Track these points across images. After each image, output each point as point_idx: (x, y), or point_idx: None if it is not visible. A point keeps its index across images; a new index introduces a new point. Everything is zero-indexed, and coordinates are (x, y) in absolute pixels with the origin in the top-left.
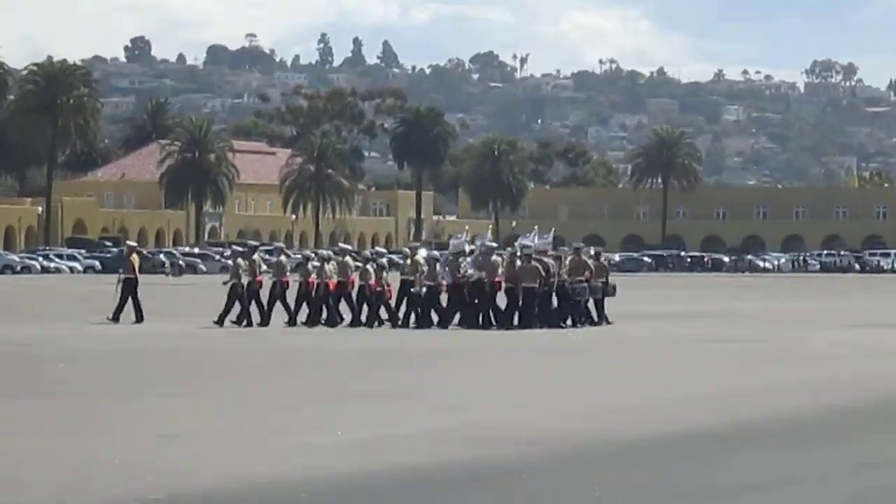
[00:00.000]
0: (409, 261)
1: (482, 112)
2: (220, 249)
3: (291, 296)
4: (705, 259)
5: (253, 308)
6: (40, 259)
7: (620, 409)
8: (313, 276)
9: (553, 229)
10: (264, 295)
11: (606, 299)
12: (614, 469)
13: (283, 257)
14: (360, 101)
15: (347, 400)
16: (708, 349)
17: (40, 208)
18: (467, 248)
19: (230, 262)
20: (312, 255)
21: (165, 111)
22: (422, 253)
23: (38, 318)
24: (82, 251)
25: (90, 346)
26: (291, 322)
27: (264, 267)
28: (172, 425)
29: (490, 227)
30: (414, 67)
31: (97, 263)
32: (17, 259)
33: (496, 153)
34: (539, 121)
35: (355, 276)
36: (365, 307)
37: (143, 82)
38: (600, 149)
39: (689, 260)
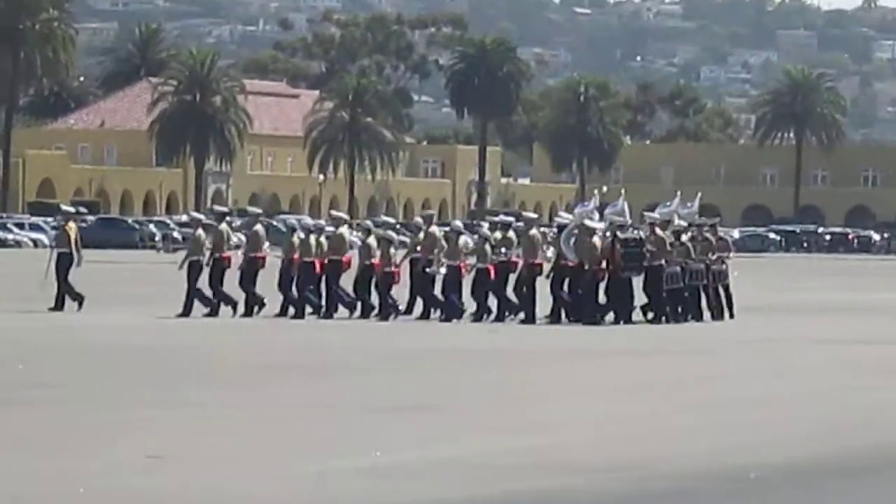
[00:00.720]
0: (422, 234)
1: (565, 46)
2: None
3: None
4: (850, 237)
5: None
6: None
7: (730, 427)
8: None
9: (699, 195)
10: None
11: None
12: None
13: (258, 227)
14: (408, 29)
15: (385, 412)
16: (846, 354)
17: None
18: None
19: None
20: (295, 223)
21: (158, 41)
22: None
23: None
24: (49, 220)
25: (56, 341)
26: (243, 310)
27: (235, 240)
28: (162, 443)
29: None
30: None
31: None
32: None
33: (583, 99)
34: (638, 58)
35: (352, 254)
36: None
37: (128, 4)
38: (716, 94)
39: (828, 238)
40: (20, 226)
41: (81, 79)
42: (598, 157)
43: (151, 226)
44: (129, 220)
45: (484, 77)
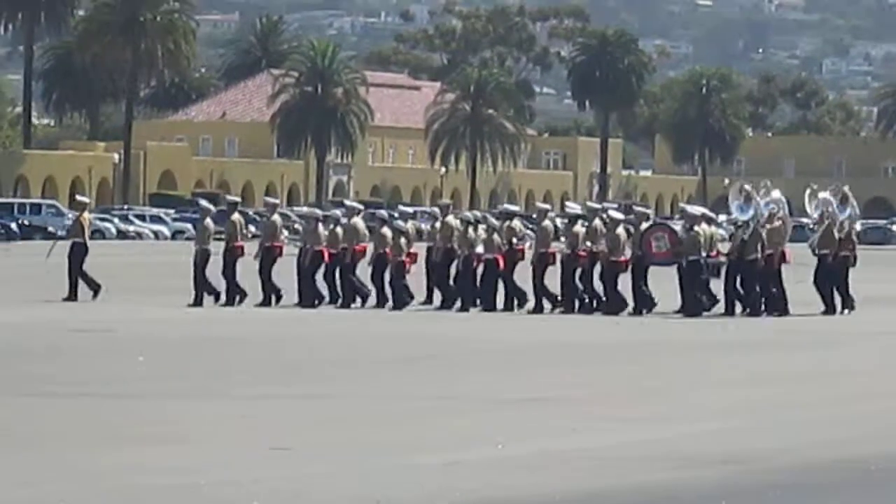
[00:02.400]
0: (438, 223)
1: (687, 38)
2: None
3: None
4: None
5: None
6: (116, 221)
7: (851, 419)
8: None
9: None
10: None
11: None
12: (839, 498)
13: (276, 217)
14: (530, 21)
15: (503, 405)
16: None
17: (116, 155)
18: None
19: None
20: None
21: (279, 33)
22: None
23: (115, 295)
24: (170, 211)
25: (179, 333)
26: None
27: (247, 230)
28: (286, 436)
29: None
30: None
31: (190, 227)
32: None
33: (704, 91)
34: (760, 50)
35: (369, 245)
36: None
37: None
38: (838, 86)
39: None
40: (141, 217)
41: (202, 71)
42: (720, 149)
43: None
44: (250, 212)
45: (605, 69)
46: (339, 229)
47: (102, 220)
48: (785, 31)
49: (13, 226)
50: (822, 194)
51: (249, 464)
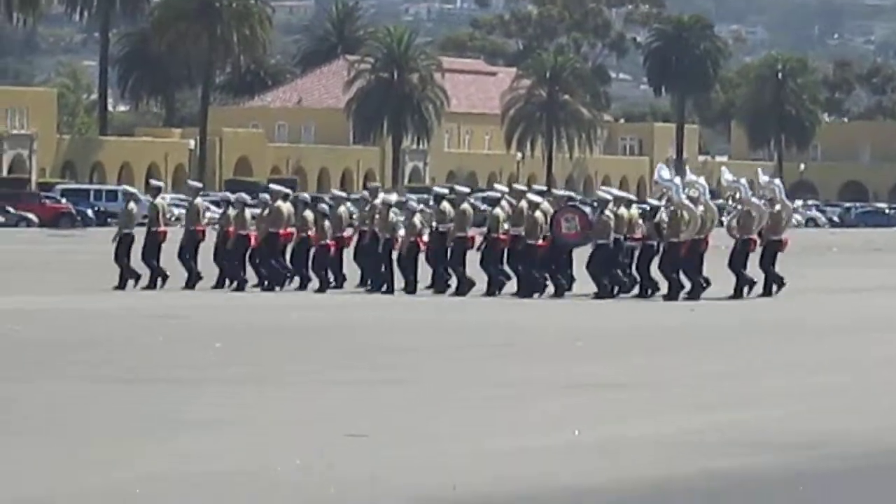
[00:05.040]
0: (368, 206)
1: (762, 24)
2: (424, 196)
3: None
4: None
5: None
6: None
7: None
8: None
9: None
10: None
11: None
12: None
13: (199, 200)
14: (605, 7)
15: (572, 391)
16: None
17: (192, 142)
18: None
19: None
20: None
21: (355, 19)
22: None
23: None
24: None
25: (256, 319)
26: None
27: (171, 214)
28: (362, 422)
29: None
30: None
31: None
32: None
33: (780, 76)
34: (835, 35)
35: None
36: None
37: None
38: None
39: None
40: (216, 204)
41: (278, 57)
42: (796, 135)
43: (348, 204)
44: (326, 198)
45: (681, 54)
46: (263, 213)
47: (180, 205)
48: (860, 16)
49: (89, 212)
50: (763, 178)
51: (325, 450)
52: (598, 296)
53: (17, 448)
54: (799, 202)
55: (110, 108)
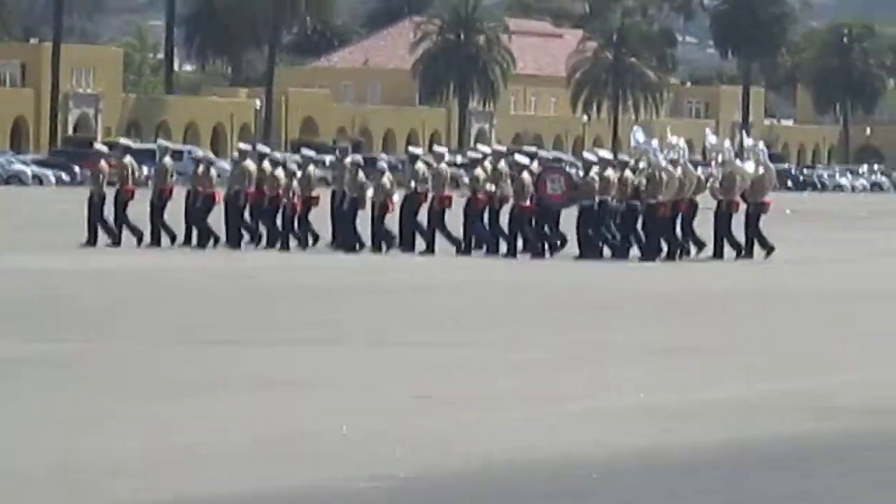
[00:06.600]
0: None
1: None
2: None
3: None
4: None
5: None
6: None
7: None
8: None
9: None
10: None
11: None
12: None
13: (167, 160)
14: None
15: (642, 355)
16: None
17: (258, 101)
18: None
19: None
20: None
21: None
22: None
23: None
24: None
25: (318, 280)
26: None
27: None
28: (430, 384)
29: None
30: None
31: (330, 174)
32: (226, 167)
33: (846, 41)
34: None
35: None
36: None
37: None
38: None
39: None
40: (274, 164)
41: (345, 17)
42: (862, 99)
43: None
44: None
45: (748, 18)
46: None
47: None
48: None
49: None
50: (748, 141)
51: (392, 411)
52: (581, 256)
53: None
54: (864, 167)
55: (176, 67)
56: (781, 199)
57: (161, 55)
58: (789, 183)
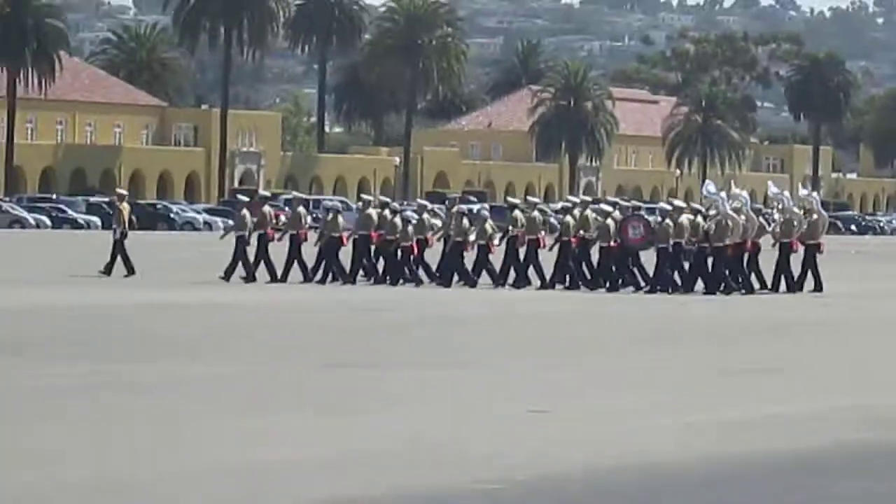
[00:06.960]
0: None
1: (888, 60)
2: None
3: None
4: None
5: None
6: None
7: None
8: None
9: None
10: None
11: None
12: None
13: (300, 208)
14: (752, 45)
15: (729, 375)
16: None
17: (398, 159)
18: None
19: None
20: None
21: (537, 54)
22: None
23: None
24: (442, 207)
25: (445, 312)
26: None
27: (283, 219)
28: (542, 400)
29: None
30: (812, 10)
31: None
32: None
33: None
34: None
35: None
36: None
37: (512, 22)
38: None
39: None
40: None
41: (471, 86)
42: None
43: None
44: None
45: (817, 86)
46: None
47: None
48: None
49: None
50: (803, 191)
51: (509, 425)
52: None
53: (267, 416)
54: None
55: (327, 129)
56: (848, 242)
57: (314, 119)
58: (853, 227)
